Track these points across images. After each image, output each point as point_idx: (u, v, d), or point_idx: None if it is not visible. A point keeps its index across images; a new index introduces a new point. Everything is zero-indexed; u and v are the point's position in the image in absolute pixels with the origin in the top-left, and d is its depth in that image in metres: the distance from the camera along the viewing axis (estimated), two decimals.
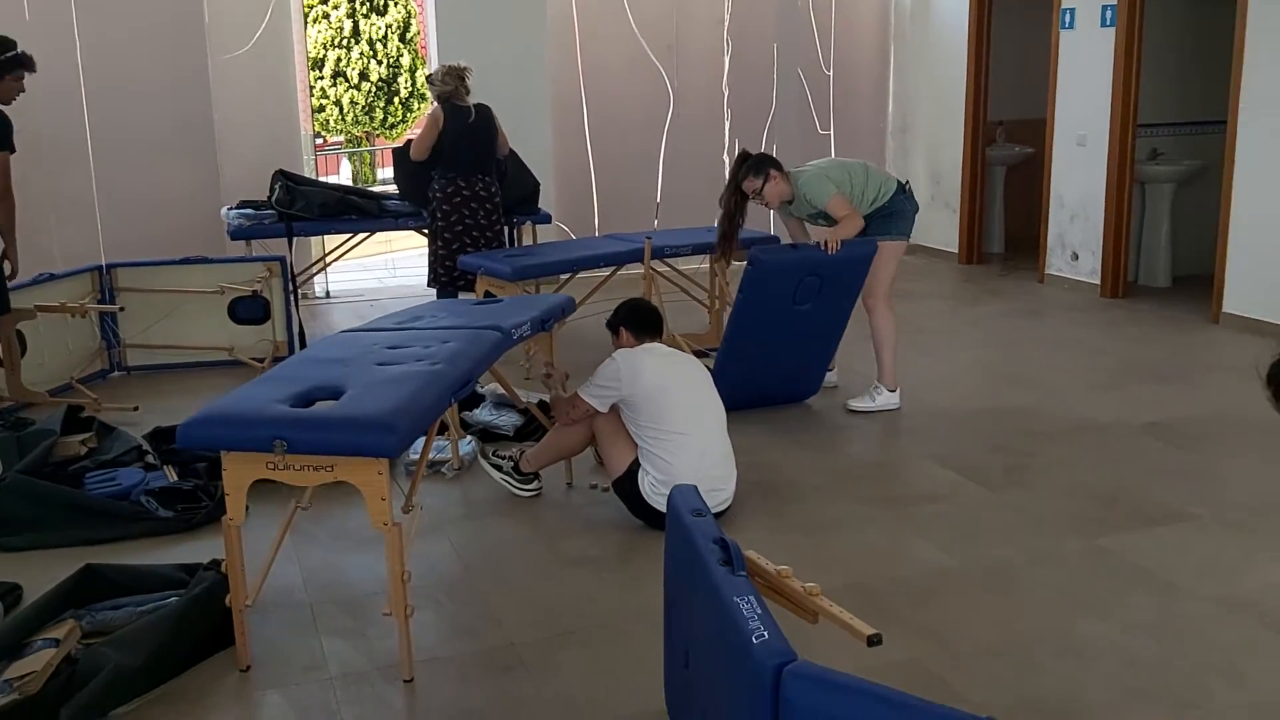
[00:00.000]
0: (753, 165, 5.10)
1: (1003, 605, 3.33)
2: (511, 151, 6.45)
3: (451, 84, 5.95)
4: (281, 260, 6.06)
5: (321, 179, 7.25)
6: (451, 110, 5.96)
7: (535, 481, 4.21)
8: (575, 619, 3.32)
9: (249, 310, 6.04)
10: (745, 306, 4.88)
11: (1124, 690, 2.84)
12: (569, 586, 3.54)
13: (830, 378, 5.48)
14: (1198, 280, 7.26)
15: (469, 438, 4.73)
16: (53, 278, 5.61)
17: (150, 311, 5.93)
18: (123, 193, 7.20)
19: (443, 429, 4.45)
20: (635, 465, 3.81)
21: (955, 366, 5.97)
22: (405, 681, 2.99)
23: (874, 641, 2.16)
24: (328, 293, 8.11)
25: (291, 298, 6.15)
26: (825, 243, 4.84)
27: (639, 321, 3.96)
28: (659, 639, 2.80)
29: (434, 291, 6.21)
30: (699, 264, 6.80)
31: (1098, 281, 7.48)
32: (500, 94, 6.51)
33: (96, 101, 7.12)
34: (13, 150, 4.91)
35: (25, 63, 5.02)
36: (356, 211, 6.54)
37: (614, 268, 6.25)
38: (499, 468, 4.23)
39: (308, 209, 6.39)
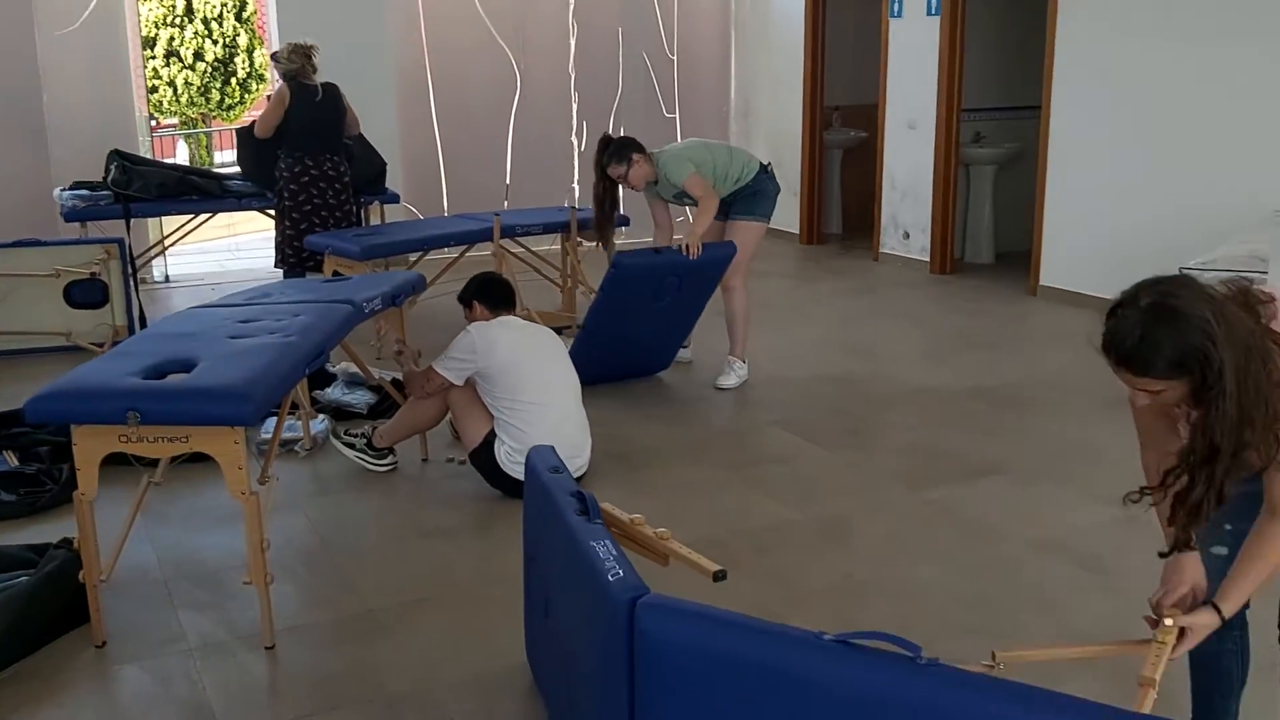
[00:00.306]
0: (615, 151, 5.19)
1: (840, 553, 3.56)
2: (359, 133, 6.42)
3: (298, 61, 5.89)
4: (120, 242, 5.90)
5: (159, 160, 7.05)
6: (298, 88, 5.91)
7: (390, 456, 4.26)
8: (433, 586, 3.40)
9: (86, 294, 5.86)
10: (605, 304, 5.01)
11: (948, 624, 3.09)
12: (426, 556, 3.62)
13: (684, 354, 5.65)
14: (1018, 256, 7.73)
15: (321, 417, 4.73)
16: None
17: None
18: None
19: (294, 408, 4.45)
20: (491, 436, 3.90)
21: (798, 340, 6.23)
22: (266, 649, 3.03)
23: (719, 577, 2.32)
24: (167, 277, 7.90)
25: (131, 281, 6.00)
26: (686, 246, 4.93)
27: (492, 295, 4.05)
28: (518, 601, 2.92)
29: (281, 273, 6.14)
30: (551, 244, 6.91)
31: (928, 259, 7.89)
32: (343, 74, 6.42)
33: None
34: None
35: None
36: (197, 192, 6.42)
37: (464, 247, 6.31)
38: (352, 445, 4.26)
39: (145, 189, 6.25)
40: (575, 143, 8.96)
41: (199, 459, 4.15)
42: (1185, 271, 5.31)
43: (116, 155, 6.37)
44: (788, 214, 9.15)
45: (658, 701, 1.95)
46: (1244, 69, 5.80)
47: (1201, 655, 2.20)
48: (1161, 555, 2.10)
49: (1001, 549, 3.57)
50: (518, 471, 3.85)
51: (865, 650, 1.81)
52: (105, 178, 6.32)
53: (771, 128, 9.26)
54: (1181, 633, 1.99)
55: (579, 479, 3.98)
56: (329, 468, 4.36)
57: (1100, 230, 6.60)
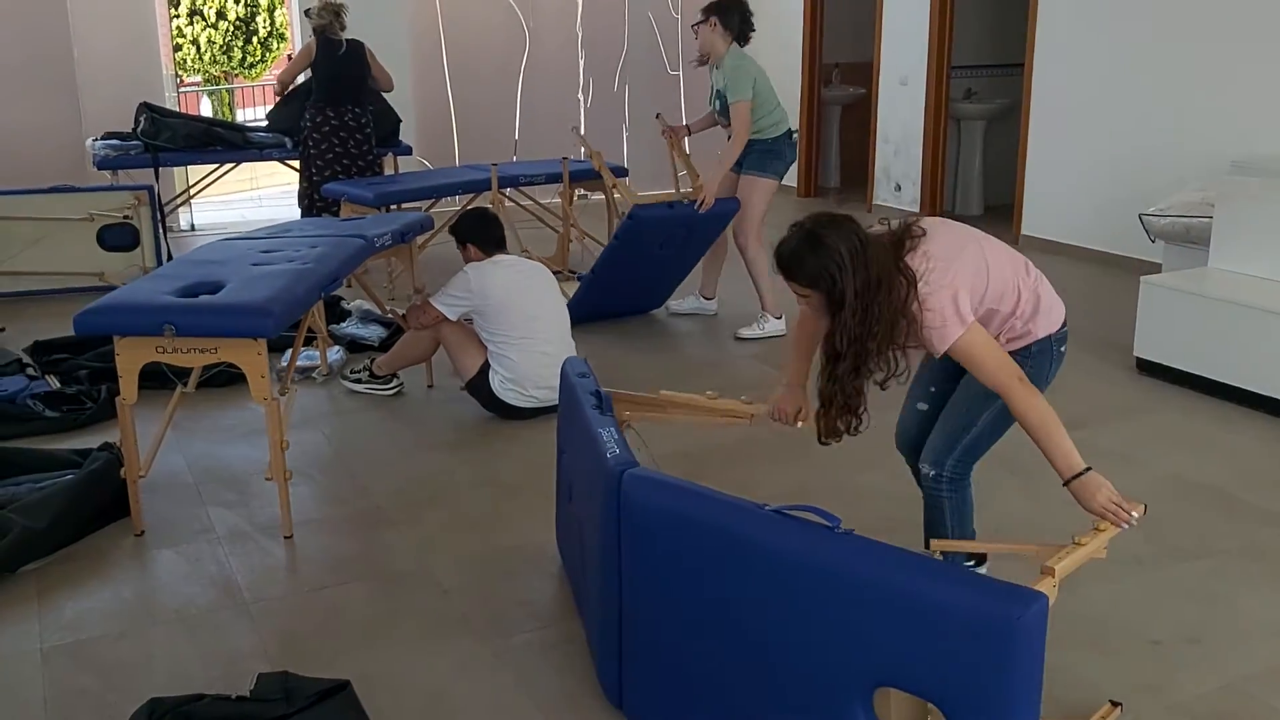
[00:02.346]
0: (709, 5, 5.29)
1: (798, 465, 3.94)
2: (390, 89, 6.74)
3: (326, 18, 6.33)
4: (150, 189, 6.30)
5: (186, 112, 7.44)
6: (324, 43, 6.33)
7: (394, 380, 4.65)
8: (436, 489, 3.81)
9: (118, 238, 6.26)
10: (615, 252, 5.38)
11: (889, 520, 3.46)
12: (431, 464, 4.02)
13: (709, 306, 5.89)
14: (1006, 209, 8.03)
15: (337, 346, 5.13)
16: None
17: (14, 240, 6.09)
18: None
19: (313, 338, 4.85)
20: (486, 367, 4.28)
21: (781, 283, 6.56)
22: (285, 538, 3.44)
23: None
24: (192, 225, 8.31)
25: (160, 225, 6.40)
26: (700, 202, 5.21)
27: (484, 236, 4.40)
28: (508, 500, 3.32)
29: None
30: (553, 196, 7.27)
31: (918, 210, 8.21)
32: (360, 33, 6.81)
33: None
34: None
35: None
36: (221, 143, 6.80)
37: (471, 195, 6.68)
38: (358, 380, 4.67)
39: (173, 140, 6.63)
40: (581, 100, 9.29)
41: (223, 382, 4.60)
42: (1143, 216, 5.66)
43: (146, 107, 6.75)
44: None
45: (638, 553, 2.39)
46: (1215, 26, 6.08)
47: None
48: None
49: None
50: (511, 398, 4.25)
51: (796, 519, 2.20)
52: (135, 129, 6.71)
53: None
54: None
55: None
56: (343, 395, 4.76)
57: (1077, 181, 6.92)
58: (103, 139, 6.74)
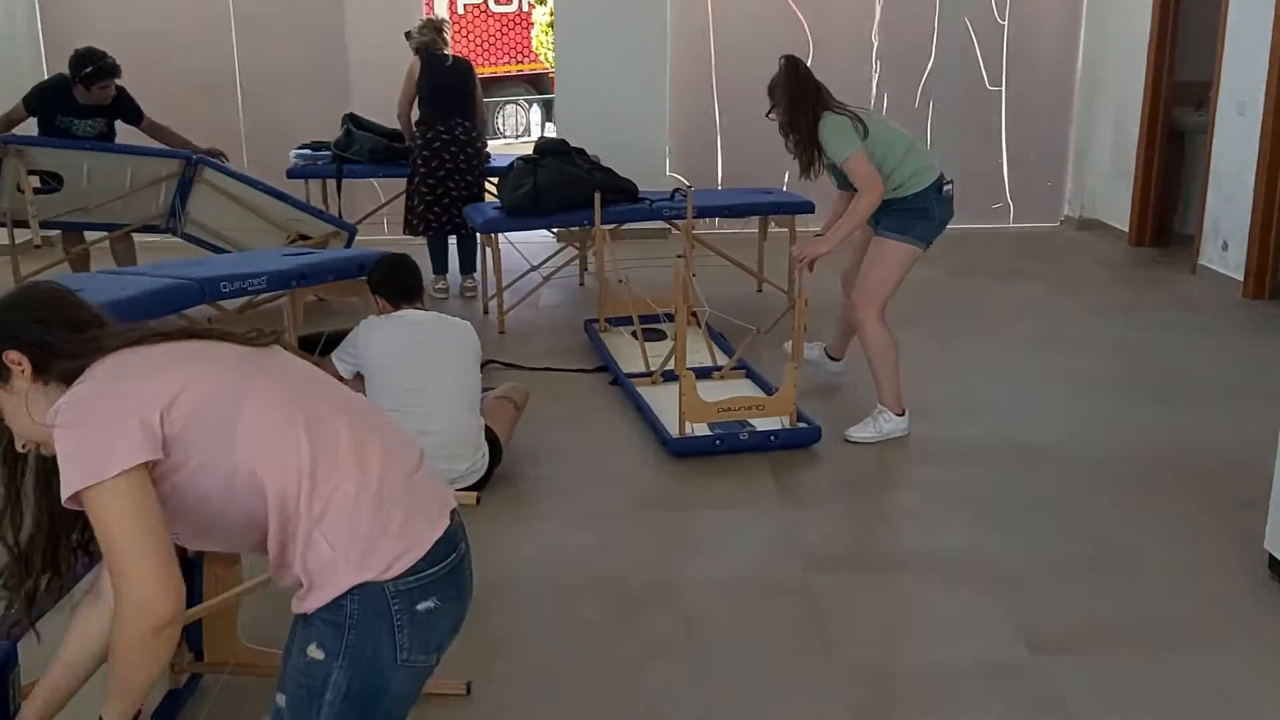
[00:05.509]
0: (772, 84, 4.32)
1: None
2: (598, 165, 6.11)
3: (429, 35, 6.17)
4: (352, 231, 6.14)
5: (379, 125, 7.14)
6: (428, 59, 6.16)
7: None
8: None
9: None
10: None
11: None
12: None
13: (835, 367, 4.85)
14: None
15: None
16: (142, 152, 6.02)
17: (221, 212, 6.15)
18: (267, 121, 7.86)
19: None
20: None
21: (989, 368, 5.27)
22: None
23: None
24: None
25: None
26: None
27: (390, 286, 3.83)
28: None
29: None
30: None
31: (1241, 278, 6.26)
32: (616, 42, 7.03)
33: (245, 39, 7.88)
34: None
35: (110, 72, 5.70)
36: (405, 158, 6.70)
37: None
38: None
39: (360, 152, 6.65)
40: None
41: None
42: None
43: (349, 118, 6.85)
44: (1116, 207, 7.75)
45: None
46: None
47: None
48: None
49: None
50: None
51: None
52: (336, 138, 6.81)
53: (1120, 108, 7.79)
54: None
55: (465, 488, 3.71)
56: None
57: None
58: (301, 147, 6.92)
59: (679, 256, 4.34)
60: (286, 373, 1.73)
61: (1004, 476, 3.95)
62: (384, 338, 3.73)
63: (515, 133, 14.52)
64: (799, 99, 4.23)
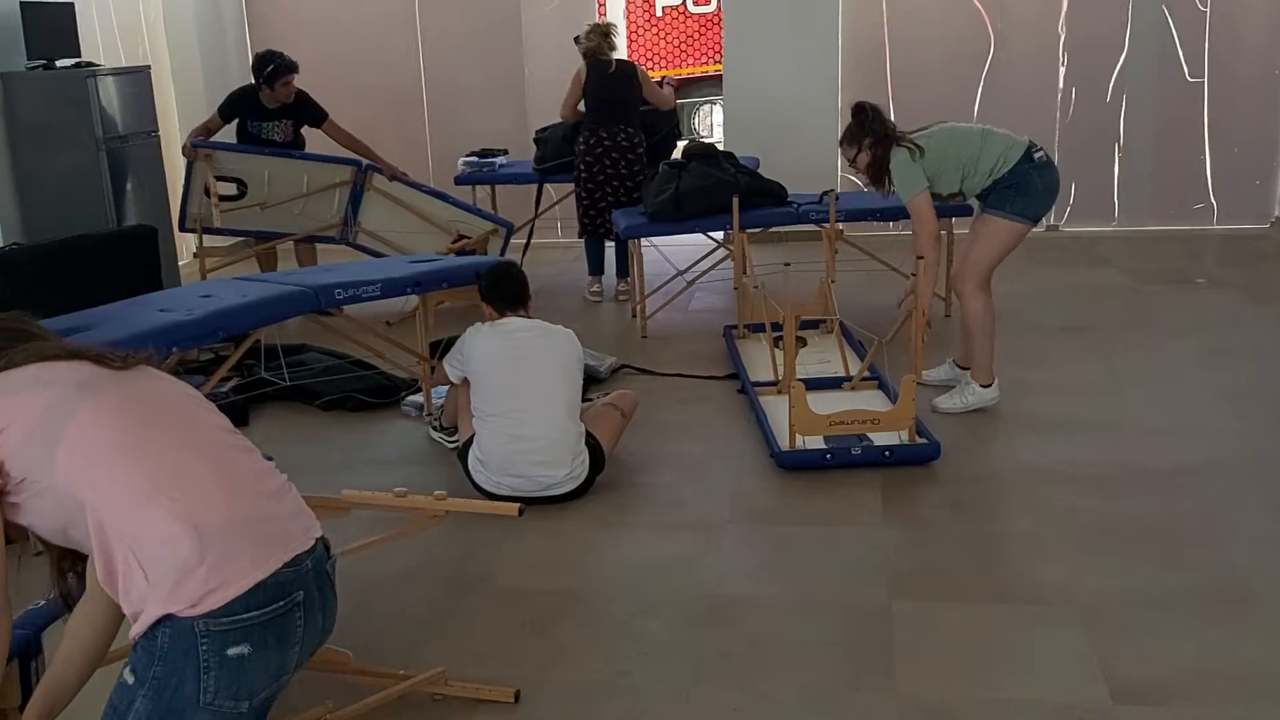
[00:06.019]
0: (847, 133, 4.52)
1: None
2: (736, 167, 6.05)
3: (595, 40, 6.21)
4: (509, 228, 6.46)
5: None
6: (593, 64, 6.21)
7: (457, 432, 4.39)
8: None
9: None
10: None
11: None
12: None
13: (964, 377, 4.66)
14: None
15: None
16: (312, 157, 6.39)
17: (389, 218, 6.50)
18: (451, 131, 8.18)
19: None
20: (471, 439, 3.86)
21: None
22: None
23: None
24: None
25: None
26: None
27: (495, 294, 3.93)
28: None
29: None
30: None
31: None
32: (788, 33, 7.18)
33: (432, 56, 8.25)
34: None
35: (289, 67, 6.06)
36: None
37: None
38: (433, 426, 4.48)
39: (553, 139, 6.73)
40: (1058, 116, 7.76)
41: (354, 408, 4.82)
42: None
43: (539, 135, 6.92)
44: None
45: None
46: None
47: None
48: None
49: None
50: (479, 479, 3.83)
51: None
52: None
53: None
54: None
55: (561, 497, 3.77)
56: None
57: None
58: (468, 156, 7.14)
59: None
60: (132, 399, 1.73)
61: (1131, 502, 3.69)
62: (486, 345, 3.82)
63: (709, 133, 14.55)
64: (880, 139, 4.41)
